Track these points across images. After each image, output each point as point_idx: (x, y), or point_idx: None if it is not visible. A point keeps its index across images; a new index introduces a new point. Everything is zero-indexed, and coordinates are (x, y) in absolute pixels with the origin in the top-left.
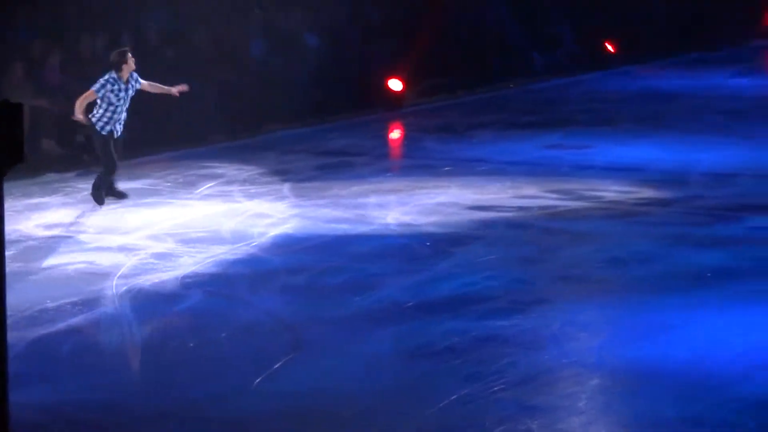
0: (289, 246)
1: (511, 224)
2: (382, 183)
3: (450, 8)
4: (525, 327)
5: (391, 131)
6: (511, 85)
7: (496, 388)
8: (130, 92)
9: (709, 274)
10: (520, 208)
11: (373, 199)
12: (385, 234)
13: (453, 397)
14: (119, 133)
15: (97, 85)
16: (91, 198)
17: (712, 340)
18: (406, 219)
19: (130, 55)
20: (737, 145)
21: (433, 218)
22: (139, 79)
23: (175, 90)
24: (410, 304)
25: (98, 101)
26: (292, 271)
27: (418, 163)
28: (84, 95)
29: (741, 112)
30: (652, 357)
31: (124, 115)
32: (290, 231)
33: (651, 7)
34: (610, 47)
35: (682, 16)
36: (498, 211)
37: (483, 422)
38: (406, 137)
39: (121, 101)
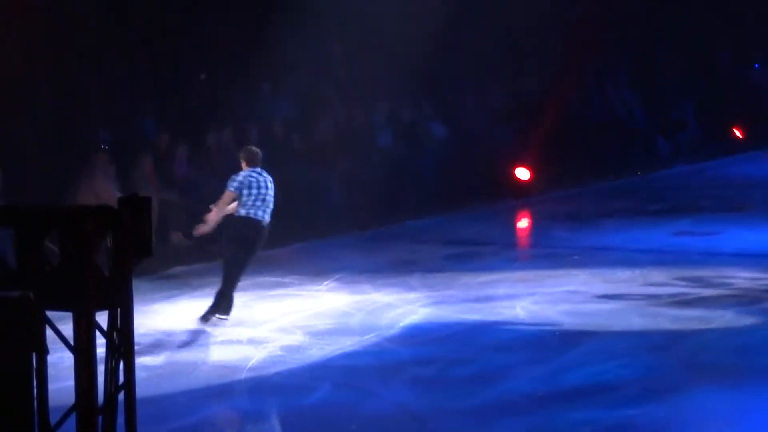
0: (417, 337)
1: (641, 312)
2: (511, 272)
3: (574, 92)
4: (657, 416)
5: (519, 220)
6: (639, 172)
7: None
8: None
9: None
10: (650, 296)
11: (501, 290)
12: (515, 323)
13: None
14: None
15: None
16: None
17: None
18: (535, 308)
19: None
20: None
21: (562, 307)
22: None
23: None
24: (540, 394)
25: None
26: (421, 363)
27: (547, 251)
28: None
29: None
30: None
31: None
32: (418, 322)
33: None
34: (738, 132)
35: None
36: (627, 299)
37: None
38: (534, 225)
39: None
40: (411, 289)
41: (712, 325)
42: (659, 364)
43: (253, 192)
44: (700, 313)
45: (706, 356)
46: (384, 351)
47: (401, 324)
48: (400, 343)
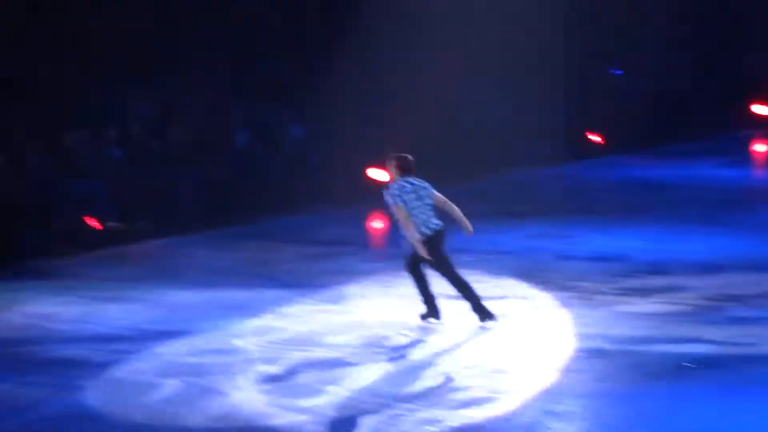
0: (265, 335)
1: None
2: (366, 272)
3: (441, 94)
4: (500, 416)
5: (371, 221)
6: (493, 175)
7: None
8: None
9: (692, 366)
10: (501, 298)
11: (355, 289)
12: (365, 322)
13: None
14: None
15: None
16: None
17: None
18: (388, 308)
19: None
20: (723, 236)
21: (410, 307)
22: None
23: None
24: (387, 393)
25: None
26: (269, 361)
27: (400, 252)
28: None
29: (728, 202)
30: None
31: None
32: (267, 320)
33: (637, 97)
34: (596, 138)
35: (670, 106)
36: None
37: None
38: (390, 229)
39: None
40: (263, 286)
41: (563, 328)
42: (506, 365)
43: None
44: (551, 315)
45: (555, 359)
46: (232, 350)
47: (248, 322)
48: (248, 340)
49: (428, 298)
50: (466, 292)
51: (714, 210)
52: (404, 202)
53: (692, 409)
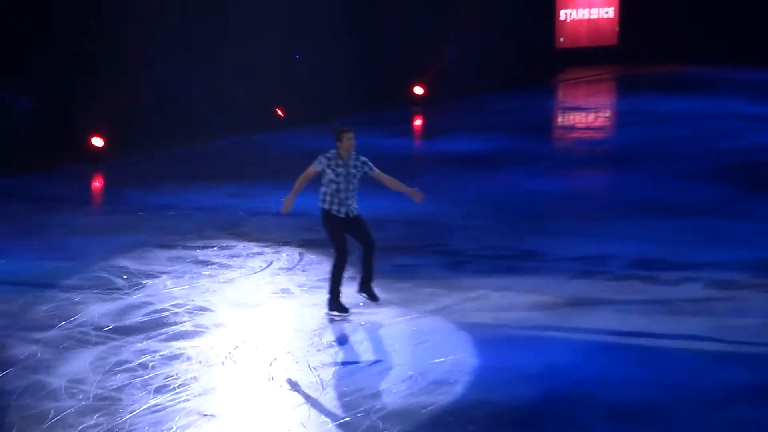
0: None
1: (196, 261)
2: (87, 225)
3: (139, 72)
4: (206, 347)
5: (94, 182)
6: (195, 143)
7: (182, 399)
8: (352, 171)
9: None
10: (204, 247)
11: (77, 239)
12: (88, 268)
13: (144, 406)
14: (343, 215)
15: (316, 163)
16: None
17: None
18: (107, 255)
19: (348, 134)
20: (384, 198)
21: (130, 254)
22: (372, 166)
23: (413, 192)
24: (110, 327)
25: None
26: (7, 301)
27: (117, 209)
28: (304, 172)
29: (392, 167)
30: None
31: (348, 195)
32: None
33: (315, 77)
34: (279, 112)
35: (341, 85)
36: (184, 249)
37: (170, 427)
38: (106, 187)
39: (341, 179)
40: None
41: (253, 270)
42: (210, 304)
43: None
44: (246, 262)
45: (249, 296)
46: None
47: None
48: None
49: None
50: (336, 264)
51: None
52: (319, 168)
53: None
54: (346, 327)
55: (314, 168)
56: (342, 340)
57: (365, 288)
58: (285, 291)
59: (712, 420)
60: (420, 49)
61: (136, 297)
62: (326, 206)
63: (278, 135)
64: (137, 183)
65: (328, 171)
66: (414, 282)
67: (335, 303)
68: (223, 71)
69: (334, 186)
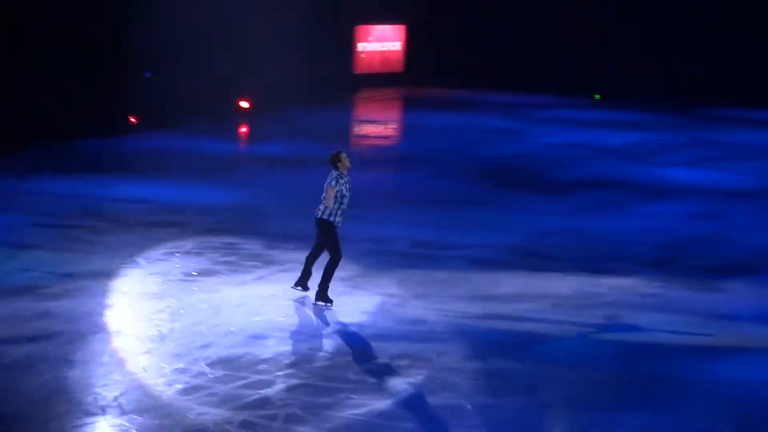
0: None
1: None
2: None
3: None
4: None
5: None
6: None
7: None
8: (350, 186)
9: (195, 273)
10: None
11: None
12: None
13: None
14: (339, 224)
15: (333, 181)
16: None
17: None
18: None
19: (344, 154)
20: (220, 190)
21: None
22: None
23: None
24: None
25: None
26: None
27: None
28: (330, 192)
29: (222, 168)
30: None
31: (344, 208)
32: None
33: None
34: (132, 119)
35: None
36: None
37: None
38: None
39: (348, 194)
40: None
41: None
42: (73, 270)
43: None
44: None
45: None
46: None
47: None
48: None
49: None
50: (333, 266)
51: (215, 172)
52: (337, 187)
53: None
54: (182, 293)
55: (335, 187)
56: (179, 303)
57: (302, 283)
58: (135, 264)
59: (472, 369)
60: (245, 70)
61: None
62: (333, 219)
63: (131, 138)
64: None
65: (343, 189)
66: (238, 256)
67: (323, 294)
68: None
69: (345, 201)
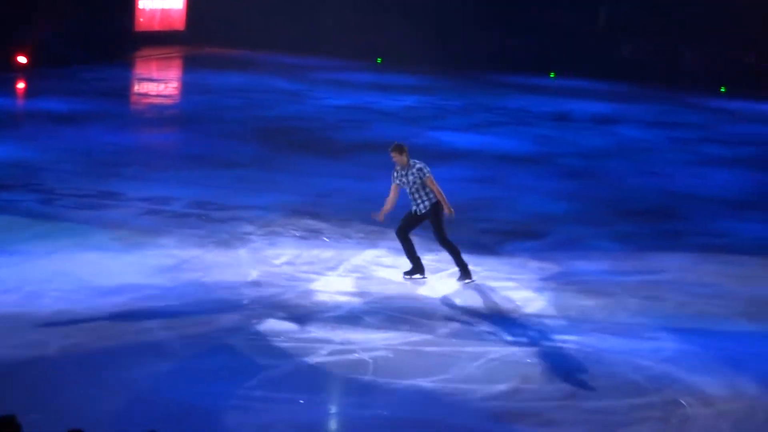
0: None
1: None
2: None
3: None
4: None
5: None
6: None
7: None
8: (411, 178)
9: None
10: None
11: None
12: None
13: None
14: (418, 212)
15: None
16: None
17: None
18: None
19: (391, 152)
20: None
21: None
22: (425, 173)
23: (446, 208)
24: None
25: None
26: None
27: None
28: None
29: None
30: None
31: (416, 197)
32: None
33: None
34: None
35: None
36: None
37: None
38: None
39: (405, 186)
40: None
41: None
42: None
43: None
44: None
45: None
46: None
47: None
48: None
49: (415, 259)
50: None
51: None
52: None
53: None
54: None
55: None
56: None
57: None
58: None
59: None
60: (18, 21)
61: None
62: (412, 207)
63: None
64: None
65: (397, 181)
66: (11, 213)
67: (465, 270)
68: None
69: (406, 190)
